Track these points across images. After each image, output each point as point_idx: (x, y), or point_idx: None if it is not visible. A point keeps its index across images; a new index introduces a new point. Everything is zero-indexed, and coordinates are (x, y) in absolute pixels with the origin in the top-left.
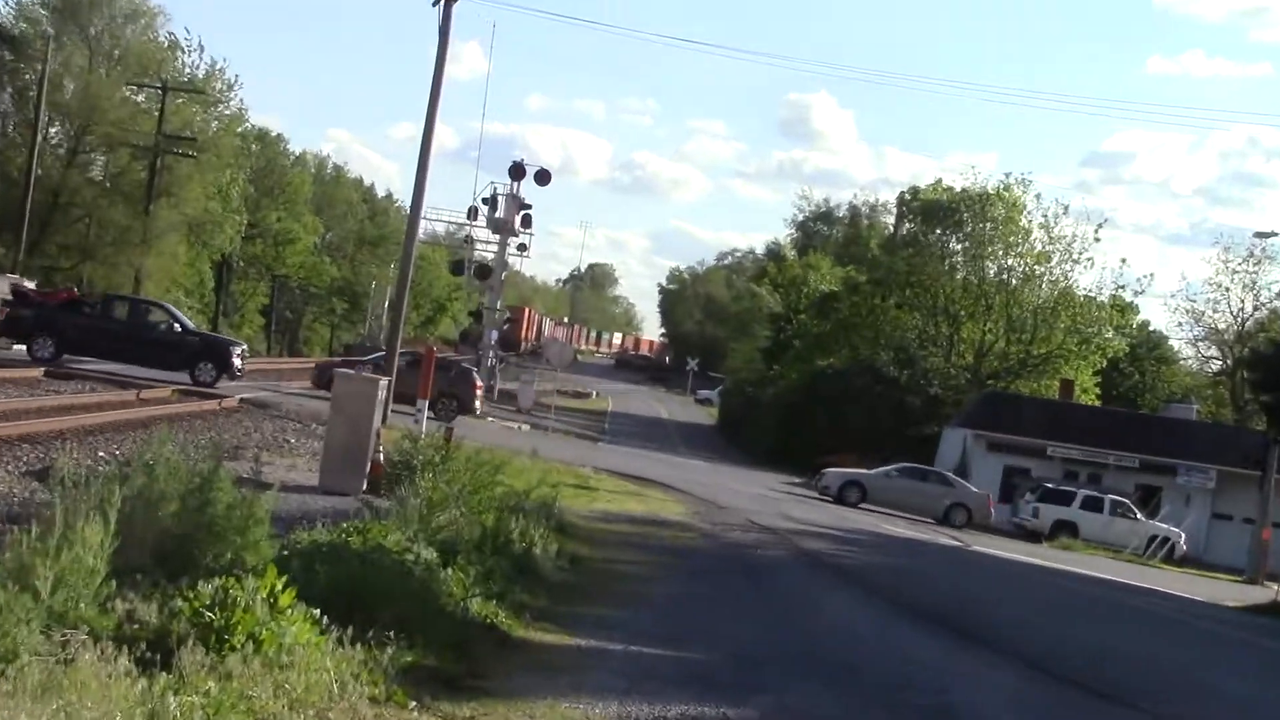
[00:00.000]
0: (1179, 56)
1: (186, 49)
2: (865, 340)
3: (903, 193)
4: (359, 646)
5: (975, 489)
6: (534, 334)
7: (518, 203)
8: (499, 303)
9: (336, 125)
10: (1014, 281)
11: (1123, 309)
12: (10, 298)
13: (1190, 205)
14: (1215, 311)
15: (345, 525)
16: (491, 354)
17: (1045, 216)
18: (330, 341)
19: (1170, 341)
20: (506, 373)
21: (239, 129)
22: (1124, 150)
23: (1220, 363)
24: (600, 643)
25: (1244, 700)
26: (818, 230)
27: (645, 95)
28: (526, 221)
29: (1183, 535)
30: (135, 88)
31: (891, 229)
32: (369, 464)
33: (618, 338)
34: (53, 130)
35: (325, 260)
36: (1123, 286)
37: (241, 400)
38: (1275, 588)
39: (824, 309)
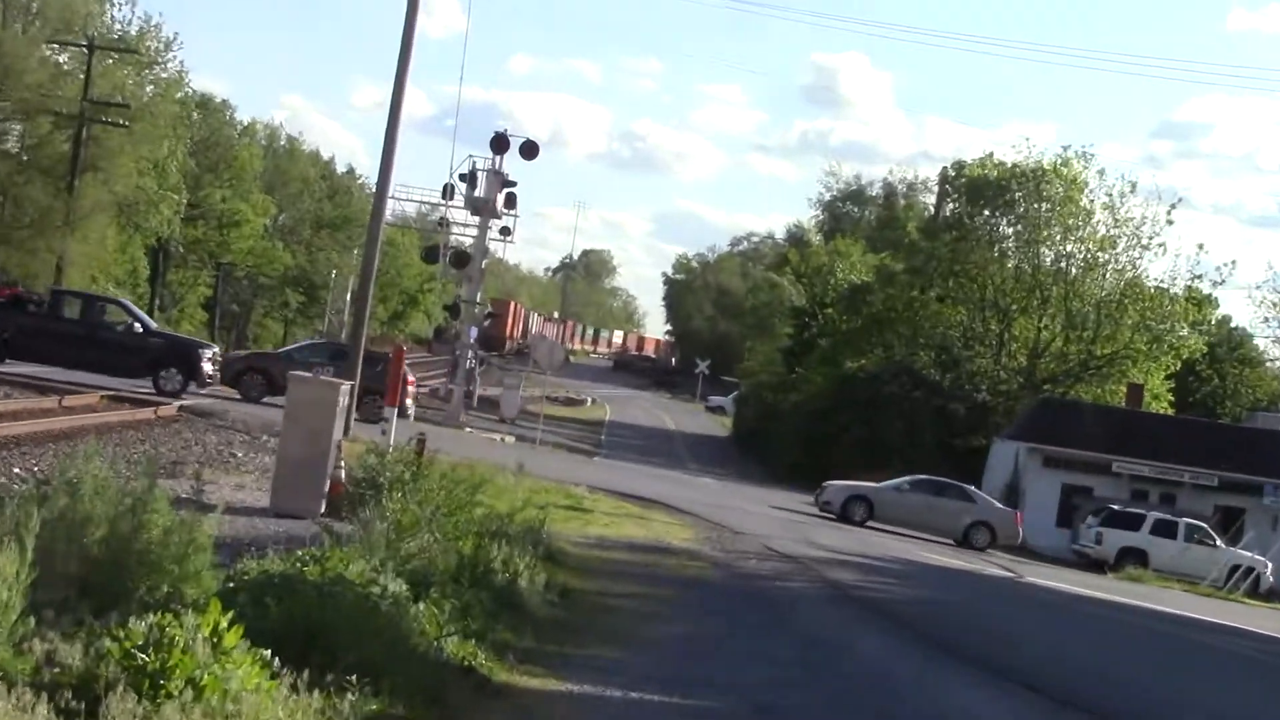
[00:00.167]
0: (1265, 8)
1: (116, 2)
2: (902, 339)
3: (945, 169)
4: (316, 693)
5: (1000, 505)
6: (520, 331)
7: (500, 179)
8: (479, 295)
9: (290, 90)
10: (1074, 271)
11: (1200, 302)
12: None
13: (1278, 183)
14: None
15: (301, 553)
16: (470, 354)
17: (1110, 196)
18: (284, 339)
19: (1255, 340)
20: (488, 376)
21: (177, 95)
22: (1201, 120)
23: None
24: (595, 689)
25: None
26: (847, 212)
27: (647, 55)
28: (510, 201)
29: (1269, 565)
30: (57, 46)
31: (932, 210)
32: (328, 482)
33: (616, 336)
34: None
35: (278, 246)
36: (1199, 276)
37: (181, 408)
38: None
39: (854, 302)
